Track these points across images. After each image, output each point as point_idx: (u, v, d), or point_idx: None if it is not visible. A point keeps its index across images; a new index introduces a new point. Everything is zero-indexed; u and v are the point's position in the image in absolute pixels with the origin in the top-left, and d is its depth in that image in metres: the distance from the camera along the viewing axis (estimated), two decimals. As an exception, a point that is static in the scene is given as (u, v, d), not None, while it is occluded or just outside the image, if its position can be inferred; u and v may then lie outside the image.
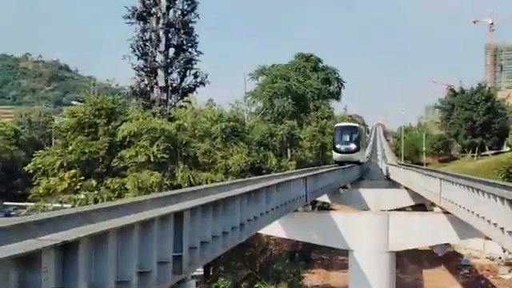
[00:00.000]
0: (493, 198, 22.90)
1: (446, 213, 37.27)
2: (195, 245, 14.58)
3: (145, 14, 55.30)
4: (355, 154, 62.35)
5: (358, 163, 65.54)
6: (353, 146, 61.49)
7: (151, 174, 39.44)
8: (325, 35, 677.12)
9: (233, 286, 42.71)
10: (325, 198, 65.01)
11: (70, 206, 36.44)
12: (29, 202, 53.66)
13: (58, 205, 38.91)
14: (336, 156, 61.78)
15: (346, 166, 58.90)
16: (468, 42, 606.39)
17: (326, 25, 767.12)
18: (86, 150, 39.92)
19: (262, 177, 34.04)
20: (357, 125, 71.50)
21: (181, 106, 54.65)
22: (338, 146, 61.33)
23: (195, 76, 56.07)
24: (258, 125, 63.14)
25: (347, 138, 61.41)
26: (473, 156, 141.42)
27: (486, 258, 67.69)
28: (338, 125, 66.91)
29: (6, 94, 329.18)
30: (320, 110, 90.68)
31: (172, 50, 55.81)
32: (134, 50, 54.96)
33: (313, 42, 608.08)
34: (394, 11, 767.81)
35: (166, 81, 54.50)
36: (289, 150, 67.43)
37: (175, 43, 55.81)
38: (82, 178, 40.15)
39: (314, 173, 41.06)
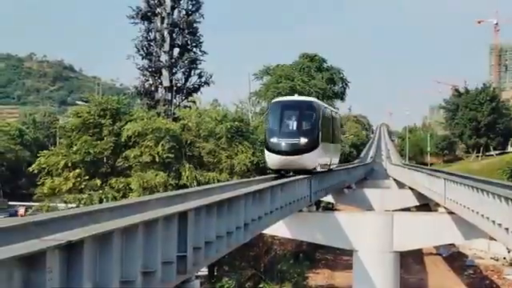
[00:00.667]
0: (497, 199, 22.91)
1: (451, 213, 37.27)
2: (199, 245, 14.59)
3: (149, 13, 55.31)
4: (308, 156, 33.10)
5: (311, 172, 34.36)
6: (303, 141, 32.85)
7: (156, 174, 39.48)
8: (327, 35, 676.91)
9: (237, 286, 42.72)
10: (329, 198, 65.16)
11: (74, 205, 36.50)
12: (34, 201, 53.78)
13: (63, 204, 39.00)
14: (271, 159, 33.28)
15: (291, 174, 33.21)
16: (473, 42, 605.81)
17: (328, 25, 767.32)
18: (91, 150, 39.99)
19: (266, 177, 34.09)
20: (312, 100, 38.72)
21: (185, 106, 54.63)
22: (273, 141, 32.91)
23: (200, 76, 56.06)
24: (262, 125, 63.07)
25: (292, 124, 33.79)
26: (477, 156, 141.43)
27: (491, 258, 67.58)
28: (275, 101, 37.33)
29: (10, 94, 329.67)
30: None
31: (176, 50, 55.80)
32: (139, 50, 54.97)
33: (315, 42, 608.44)
34: (394, 11, 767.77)
35: (171, 81, 54.50)
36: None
37: (180, 43, 55.80)
38: (87, 177, 40.21)
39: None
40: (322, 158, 36.19)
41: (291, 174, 33.10)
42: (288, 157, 32.50)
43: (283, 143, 32.54)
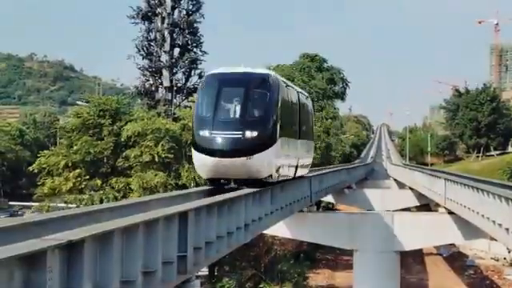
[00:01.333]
0: (498, 199, 22.92)
1: (451, 213, 37.30)
2: (200, 245, 14.60)
3: (150, 14, 55.31)
4: (258, 159, 21.74)
5: (264, 183, 22.68)
6: (249, 134, 21.72)
7: (156, 175, 39.47)
8: (328, 35, 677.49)
9: (237, 286, 42.73)
10: (329, 199, 65.16)
11: (75, 205, 36.52)
12: (34, 201, 53.80)
13: (63, 204, 39.02)
14: (200, 162, 22.42)
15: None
16: (473, 42, 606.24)
17: (328, 25, 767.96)
18: (91, 150, 39.97)
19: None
20: (268, 73, 24.48)
21: (186, 106, 54.62)
22: (202, 135, 21.97)
23: (200, 76, 55.92)
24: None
25: (234, 108, 22.39)
26: (478, 156, 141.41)
27: (491, 258, 67.60)
28: (210, 73, 24.33)
29: (11, 94, 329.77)
30: (325, 111, 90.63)
31: (177, 50, 55.79)
32: (139, 50, 54.96)
33: (315, 42, 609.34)
34: (394, 11, 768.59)
35: (171, 81, 54.50)
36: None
37: (180, 43, 55.79)
38: (87, 177, 40.21)
39: (319, 173, 41.07)
40: (282, 160, 24.30)
41: (233, 185, 22.01)
42: (226, 159, 21.19)
43: (218, 138, 21.34)
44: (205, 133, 21.52)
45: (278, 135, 22.59)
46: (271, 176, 22.83)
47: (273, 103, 22.57)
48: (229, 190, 20.70)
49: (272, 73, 24.66)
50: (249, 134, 21.40)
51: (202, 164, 22.07)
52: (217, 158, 21.16)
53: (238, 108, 21.88)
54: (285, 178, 25.83)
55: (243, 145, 21.36)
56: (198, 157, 22.12)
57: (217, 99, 21.93)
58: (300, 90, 32.11)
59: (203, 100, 22.83)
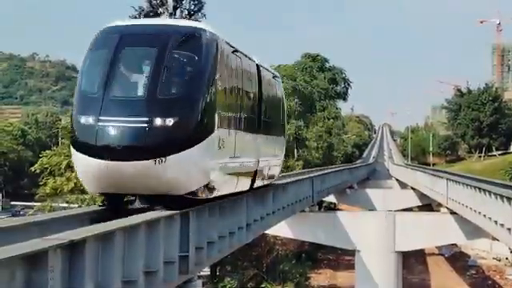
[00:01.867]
0: (500, 199, 22.92)
1: (453, 213, 37.31)
2: (202, 245, 14.58)
3: (152, 13, 55.37)
4: (179, 160, 13.03)
5: (192, 200, 13.91)
6: (160, 122, 12.93)
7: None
8: (328, 35, 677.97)
9: (239, 286, 42.72)
10: (331, 198, 65.13)
11: (76, 205, 36.52)
12: (36, 201, 53.84)
13: (65, 204, 39.03)
14: (81, 166, 13.50)
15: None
16: (475, 42, 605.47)
17: (329, 25, 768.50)
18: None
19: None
20: (202, 28, 14.71)
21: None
22: (84, 123, 13.16)
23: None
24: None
25: (142, 80, 13.63)
26: (480, 156, 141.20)
27: (493, 258, 67.54)
28: (106, 27, 15.07)
29: (13, 94, 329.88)
30: (327, 110, 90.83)
31: (179, 50, 55.89)
32: (141, 50, 55.04)
33: (316, 42, 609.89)
34: (395, 11, 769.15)
35: (173, 81, 54.63)
36: (295, 150, 67.45)
37: (182, 43, 55.90)
38: (89, 177, 40.21)
39: (321, 173, 41.08)
40: (225, 163, 15.55)
41: (137, 205, 13.89)
42: (122, 163, 13.02)
43: (110, 128, 13.20)
44: (88, 119, 13.32)
45: (215, 124, 14.33)
46: (207, 189, 14.39)
47: (206, 73, 14.15)
48: (135, 211, 13.15)
49: (205, 26, 15.48)
50: (160, 120, 13.16)
51: (84, 170, 13.73)
52: (106, 162, 12.98)
53: (146, 80, 13.66)
54: (233, 192, 17.10)
55: (151, 139, 13.13)
56: (78, 159, 13.80)
57: (111, 66, 13.70)
58: (262, 63, 20.61)
59: (90, 68, 14.45)
